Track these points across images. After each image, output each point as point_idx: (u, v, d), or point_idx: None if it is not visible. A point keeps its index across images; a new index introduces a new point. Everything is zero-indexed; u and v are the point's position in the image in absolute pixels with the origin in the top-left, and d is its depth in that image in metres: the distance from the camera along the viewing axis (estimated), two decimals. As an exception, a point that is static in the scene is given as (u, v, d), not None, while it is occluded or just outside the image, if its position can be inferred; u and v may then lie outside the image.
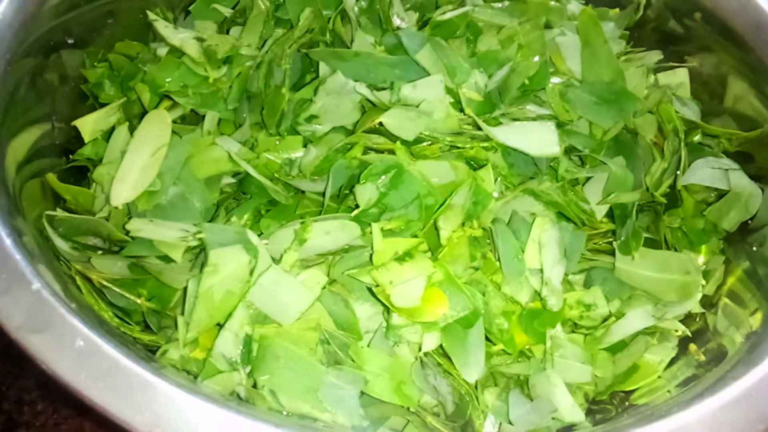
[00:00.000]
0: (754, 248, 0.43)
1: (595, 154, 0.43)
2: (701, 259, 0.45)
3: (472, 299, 0.36)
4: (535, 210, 0.42)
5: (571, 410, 0.37)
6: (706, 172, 0.43)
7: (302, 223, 0.36)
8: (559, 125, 0.42)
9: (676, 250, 0.44)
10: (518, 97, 0.43)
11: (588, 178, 0.43)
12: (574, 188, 0.43)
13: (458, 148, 0.39)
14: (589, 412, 0.40)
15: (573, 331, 0.41)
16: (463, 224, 0.39)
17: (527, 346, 0.40)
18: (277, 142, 0.40)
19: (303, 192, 0.39)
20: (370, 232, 0.36)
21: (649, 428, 0.31)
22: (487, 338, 0.38)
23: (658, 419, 0.31)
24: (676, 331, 0.42)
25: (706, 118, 0.47)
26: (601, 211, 0.42)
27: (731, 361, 0.37)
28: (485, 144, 0.39)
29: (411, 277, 0.35)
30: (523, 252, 0.39)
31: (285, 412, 0.33)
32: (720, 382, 0.33)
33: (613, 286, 0.42)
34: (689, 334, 0.42)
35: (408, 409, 0.36)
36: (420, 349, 0.36)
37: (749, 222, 0.43)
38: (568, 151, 0.43)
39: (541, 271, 0.39)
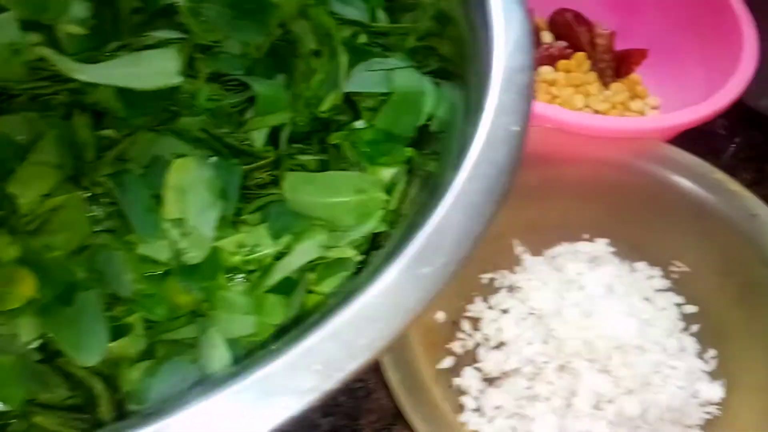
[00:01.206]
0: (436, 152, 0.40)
1: (248, 75, 0.38)
2: (389, 172, 0.41)
3: (69, 271, 0.31)
4: (182, 150, 0.37)
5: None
6: (364, 77, 0.39)
7: None
8: (204, 48, 0.37)
9: (359, 169, 0.40)
10: (141, 24, 0.38)
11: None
12: (231, 117, 0.38)
13: (43, 96, 0.33)
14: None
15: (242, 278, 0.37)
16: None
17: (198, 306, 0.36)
18: None
19: None
20: None
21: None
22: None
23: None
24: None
25: (398, 15, 0.43)
26: (259, 139, 0.38)
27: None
28: (73, 86, 0.33)
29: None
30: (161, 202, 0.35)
31: None
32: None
33: (288, 219, 0.38)
34: (360, 258, 0.38)
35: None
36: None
37: (429, 124, 0.40)
38: (217, 76, 0.38)
39: (183, 220, 0.35)
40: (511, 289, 0.48)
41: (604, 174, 0.48)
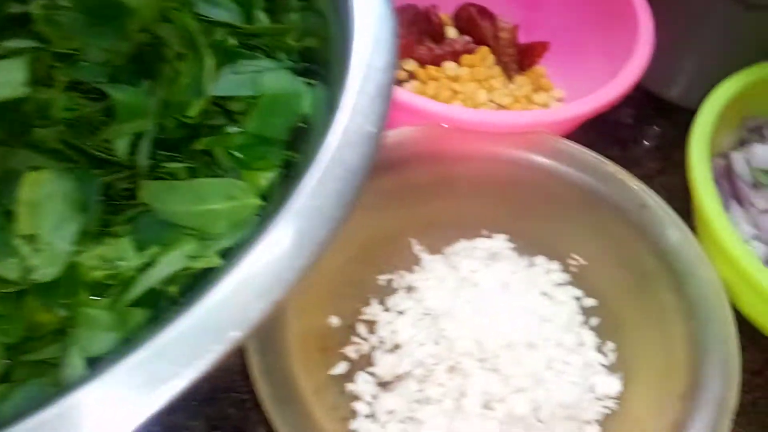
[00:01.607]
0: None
1: (112, 82, 0.37)
2: (266, 177, 0.40)
3: None
4: (38, 163, 0.35)
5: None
6: (231, 80, 0.38)
7: None
8: (64, 57, 0.36)
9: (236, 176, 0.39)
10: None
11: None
12: (93, 126, 0.37)
13: None
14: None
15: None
16: None
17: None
18: None
19: None
20: None
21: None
22: None
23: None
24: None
25: (280, 16, 0.42)
26: (122, 148, 0.37)
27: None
28: None
29: None
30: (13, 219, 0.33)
31: None
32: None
33: (156, 230, 0.37)
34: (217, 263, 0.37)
35: None
36: None
37: (306, 125, 0.39)
38: (77, 85, 0.37)
39: (36, 236, 0.33)
40: (409, 289, 0.47)
41: (498, 169, 0.47)
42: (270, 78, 0.38)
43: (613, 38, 0.56)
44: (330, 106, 0.34)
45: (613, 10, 0.56)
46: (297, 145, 0.40)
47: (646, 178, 0.58)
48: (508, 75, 0.60)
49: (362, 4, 0.36)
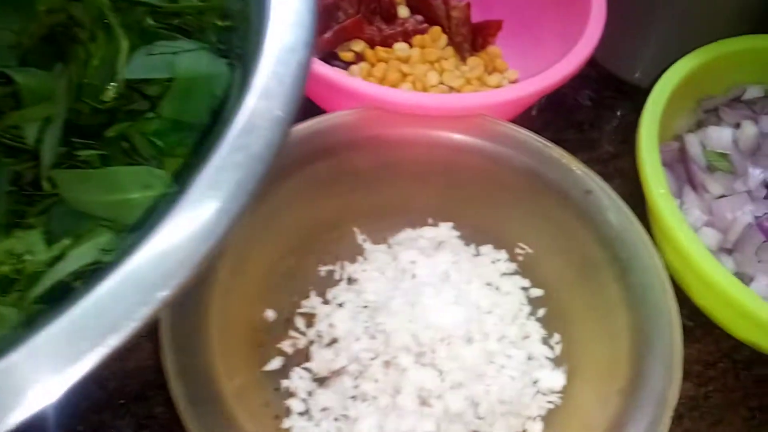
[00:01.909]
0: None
1: (22, 65, 0.35)
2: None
3: None
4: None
5: None
6: (145, 62, 0.36)
7: None
8: None
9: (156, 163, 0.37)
10: None
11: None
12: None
13: None
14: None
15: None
16: None
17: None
18: None
19: None
20: None
21: None
22: None
23: None
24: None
25: None
26: (32, 135, 0.35)
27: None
28: None
29: None
30: None
31: None
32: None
33: (70, 221, 0.35)
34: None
35: None
36: None
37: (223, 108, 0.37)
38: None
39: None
40: (350, 281, 0.45)
41: (440, 155, 0.45)
42: (186, 59, 0.36)
43: (567, 17, 0.54)
44: (241, 88, 0.32)
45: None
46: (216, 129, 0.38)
47: (602, 162, 0.56)
48: (462, 56, 0.58)
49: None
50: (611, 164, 0.56)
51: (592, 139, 0.58)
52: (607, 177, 0.53)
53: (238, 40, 0.37)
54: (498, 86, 0.57)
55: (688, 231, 0.41)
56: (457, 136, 0.45)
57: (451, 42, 0.58)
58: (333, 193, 0.45)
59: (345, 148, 0.44)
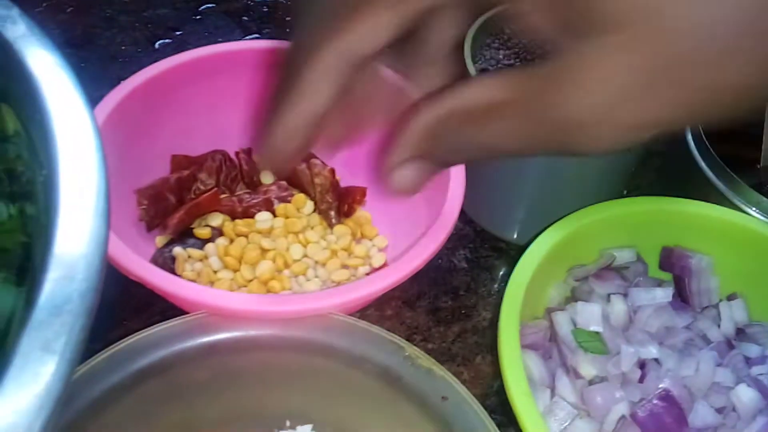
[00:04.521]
0: None
1: None
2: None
3: None
4: None
5: None
6: None
7: None
8: None
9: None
10: None
11: None
12: None
13: None
14: None
15: None
16: None
17: None
18: None
19: None
20: None
21: None
22: None
23: None
24: None
25: None
26: None
27: None
28: None
29: None
30: None
31: None
32: None
33: None
34: None
35: None
36: None
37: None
38: None
39: None
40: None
41: (289, 357, 0.42)
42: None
43: (432, 185, 0.52)
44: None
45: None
46: None
47: (479, 332, 0.54)
48: (329, 223, 0.56)
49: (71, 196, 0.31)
50: (488, 334, 0.53)
51: (467, 305, 0.55)
52: (483, 349, 0.50)
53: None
54: (365, 256, 0.54)
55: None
56: (307, 337, 0.42)
57: (318, 209, 0.56)
58: (170, 409, 0.41)
59: (179, 362, 0.40)
